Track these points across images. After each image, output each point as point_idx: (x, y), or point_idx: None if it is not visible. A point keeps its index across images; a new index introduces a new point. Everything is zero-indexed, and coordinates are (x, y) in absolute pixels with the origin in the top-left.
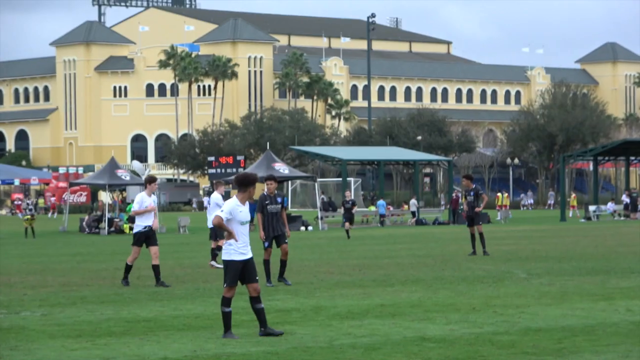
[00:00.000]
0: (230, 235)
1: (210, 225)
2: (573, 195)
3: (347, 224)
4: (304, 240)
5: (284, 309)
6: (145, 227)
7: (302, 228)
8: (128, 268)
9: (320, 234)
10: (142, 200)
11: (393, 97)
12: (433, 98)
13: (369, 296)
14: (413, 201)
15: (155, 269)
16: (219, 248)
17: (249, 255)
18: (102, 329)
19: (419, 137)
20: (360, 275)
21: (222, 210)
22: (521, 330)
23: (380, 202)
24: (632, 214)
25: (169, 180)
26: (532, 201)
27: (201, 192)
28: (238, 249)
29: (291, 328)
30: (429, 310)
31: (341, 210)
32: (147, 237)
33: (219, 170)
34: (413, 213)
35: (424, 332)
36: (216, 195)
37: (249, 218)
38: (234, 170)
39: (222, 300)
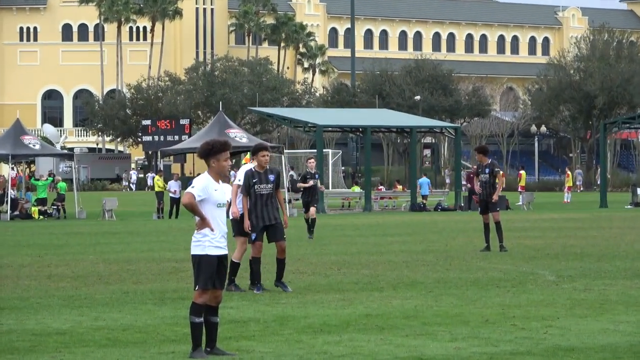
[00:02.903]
0: (204, 223)
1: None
2: (567, 173)
3: (312, 209)
4: None
5: (239, 320)
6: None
7: None
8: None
9: (289, 221)
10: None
11: (384, 44)
12: (436, 46)
13: (350, 303)
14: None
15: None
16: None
17: (225, 250)
18: (1, 344)
19: (418, 97)
20: (339, 276)
21: (192, 187)
22: (548, 349)
23: (423, 179)
24: None
25: (91, 150)
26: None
27: (133, 165)
28: (213, 240)
29: (248, 344)
30: (428, 323)
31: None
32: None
33: (156, 137)
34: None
35: (422, 351)
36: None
37: (225, 200)
38: (176, 138)
39: (192, 308)
